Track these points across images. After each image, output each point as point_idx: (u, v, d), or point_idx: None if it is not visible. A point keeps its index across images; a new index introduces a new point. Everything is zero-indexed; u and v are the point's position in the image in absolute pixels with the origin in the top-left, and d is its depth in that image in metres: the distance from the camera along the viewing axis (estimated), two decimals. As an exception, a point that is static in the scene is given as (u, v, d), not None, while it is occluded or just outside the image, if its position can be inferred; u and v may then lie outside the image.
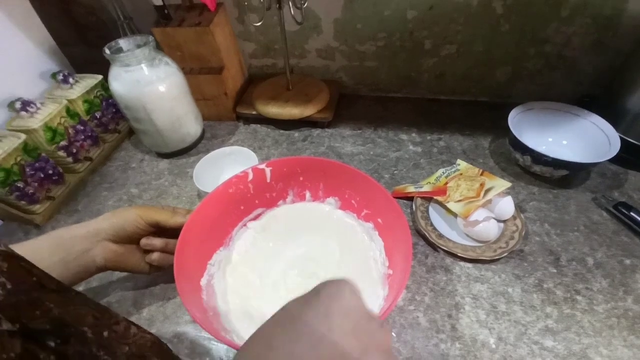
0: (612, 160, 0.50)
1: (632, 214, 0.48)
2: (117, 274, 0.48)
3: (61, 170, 0.58)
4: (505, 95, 0.70)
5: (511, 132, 0.53)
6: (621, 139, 0.52)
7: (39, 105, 0.56)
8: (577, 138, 0.56)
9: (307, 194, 0.50)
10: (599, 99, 0.61)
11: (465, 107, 0.71)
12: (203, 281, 0.41)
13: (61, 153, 0.58)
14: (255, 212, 0.49)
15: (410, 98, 0.74)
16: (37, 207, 0.55)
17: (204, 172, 0.56)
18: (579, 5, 0.57)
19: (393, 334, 0.40)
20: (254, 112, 0.69)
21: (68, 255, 0.37)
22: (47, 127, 0.55)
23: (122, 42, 0.55)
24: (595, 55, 0.62)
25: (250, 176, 0.46)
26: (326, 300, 0.22)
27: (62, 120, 0.57)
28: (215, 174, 0.57)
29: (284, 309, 0.23)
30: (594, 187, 0.54)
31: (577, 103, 0.58)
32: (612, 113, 0.55)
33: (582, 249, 0.46)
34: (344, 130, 0.67)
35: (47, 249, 0.36)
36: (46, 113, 0.55)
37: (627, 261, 0.45)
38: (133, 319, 0.43)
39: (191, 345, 0.41)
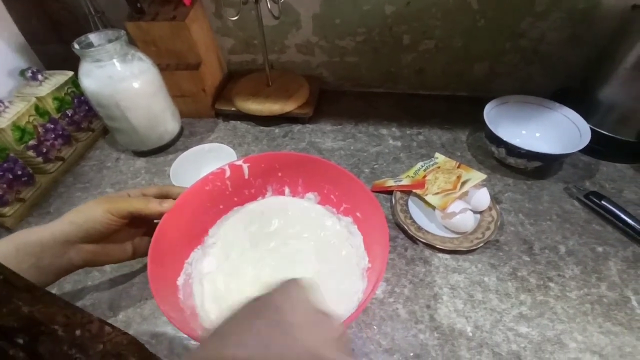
0: (584, 152, 0.52)
1: (603, 202, 0.49)
2: (91, 276, 0.47)
3: (31, 171, 0.56)
4: (483, 90, 0.71)
5: (487, 126, 0.54)
6: (594, 130, 0.53)
7: (7, 103, 0.54)
8: (550, 130, 0.57)
9: (286, 190, 0.49)
10: (574, 92, 0.62)
11: (444, 101, 0.71)
12: (180, 280, 0.40)
13: (30, 153, 0.55)
14: (233, 209, 0.48)
15: (391, 93, 0.74)
16: (6, 210, 0.53)
17: (182, 171, 0.55)
18: (553, 0, 0.58)
19: (374, 326, 0.41)
20: (233, 109, 0.68)
21: (39, 261, 0.35)
22: (16, 127, 0.53)
23: (93, 37, 0.53)
24: (571, 50, 0.63)
25: (228, 173, 0.46)
26: (277, 300, 0.25)
27: (31, 118, 0.55)
28: (193, 172, 0.56)
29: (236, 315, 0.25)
30: (567, 177, 0.55)
31: (552, 96, 0.59)
32: (586, 106, 0.57)
33: (554, 238, 0.48)
34: (324, 126, 0.67)
35: (13, 256, 0.34)
36: (14, 112, 0.53)
37: (599, 249, 0.46)
38: (109, 321, 0.42)
39: (170, 346, 0.40)
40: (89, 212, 0.37)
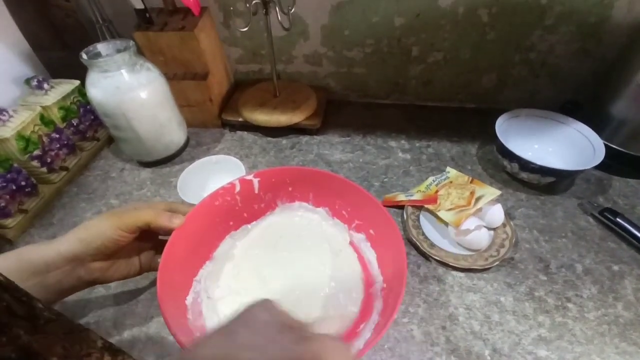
0: (596, 167, 0.51)
1: (618, 219, 0.48)
2: (96, 292, 0.45)
3: (34, 182, 0.54)
4: (491, 101, 0.71)
5: (499, 140, 0.53)
6: (605, 145, 0.53)
7: (11, 112, 0.53)
8: (563, 145, 0.57)
9: (297, 205, 0.48)
10: (583, 106, 0.62)
11: (452, 113, 0.71)
12: (189, 299, 0.39)
13: (34, 163, 0.54)
14: (244, 225, 0.47)
15: (399, 104, 0.74)
16: (9, 222, 0.51)
17: (189, 182, 0.54)
18: (563, 14, 0.58)
19: (388, 348, 0.39)
20: (240, 119, 0.67)
21: (46, 279, 0.34)
22: (20, 136, 0.52)
23: (101, 47, 0.52)
24: (579, 63, 0.63)
25: (238, 187, 0.45)
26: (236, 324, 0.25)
27: (36, 128, 0.54)
28: (200, 183, 0.55)
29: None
30: (580, 193, 0.55)
31: (561, 109, 0.58)
32: (596, 120, 0.56)
33: (570, 256, 0.47)
34: (332, 137, 0.66)
35: (16, 274, 0.33)
36: (19, 121, 0.52)
37: (615, 267, 0.46)
38: (113, 341, 0.41)
39: (176, 367, 0.39)
40: (97, 228, 0.36)
